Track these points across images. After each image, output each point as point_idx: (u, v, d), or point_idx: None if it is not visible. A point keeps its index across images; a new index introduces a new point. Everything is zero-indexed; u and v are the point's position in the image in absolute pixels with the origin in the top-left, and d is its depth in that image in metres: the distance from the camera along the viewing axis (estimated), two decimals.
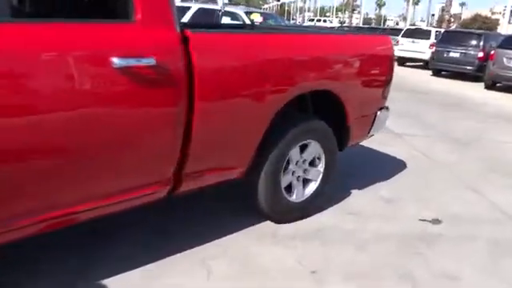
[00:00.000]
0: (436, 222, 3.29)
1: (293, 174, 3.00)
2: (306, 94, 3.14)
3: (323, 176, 3.18)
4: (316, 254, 2.73)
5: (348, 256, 2.73)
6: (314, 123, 3.01)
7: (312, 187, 3.15)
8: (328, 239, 2.91)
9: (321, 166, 3.17)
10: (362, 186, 3.75)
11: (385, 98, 3.49)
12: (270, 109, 2.62)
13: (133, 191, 2.21)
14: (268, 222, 3.02)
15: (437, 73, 14.50)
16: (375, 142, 4.76)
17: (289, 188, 3.03)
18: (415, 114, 7.02)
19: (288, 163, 2.96)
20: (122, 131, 2.06)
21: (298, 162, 3.01)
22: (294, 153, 2.95)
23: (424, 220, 3.31)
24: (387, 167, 4.31)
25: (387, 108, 3.57)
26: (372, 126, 3.46)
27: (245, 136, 2.59)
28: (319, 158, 3.16)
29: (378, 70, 3.40)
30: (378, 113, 3.45)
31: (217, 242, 2.74)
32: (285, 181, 2.96)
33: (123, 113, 2.04)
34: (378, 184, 3.84)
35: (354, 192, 3.63)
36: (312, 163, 3.15)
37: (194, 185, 2.50)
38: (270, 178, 2.81)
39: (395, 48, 16.81)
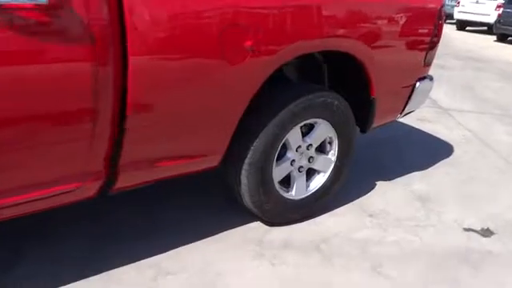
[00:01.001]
0: (486, 233, 2.46)
1: (292, 164, 2.26)
2: (316, 57, 2.36)
3: (336, 166, 2.41)
4: (313, 277, 2.02)
5: (359, 283, 2.02)
6: (321, 96, 2.22)
7: (319, 180, 2.40)
8: (334, 253, 2.17)
9: (332, 154, 2.40)
10: (389, 177, 2.93)
11: (427, 65, 2.61)
12: (252, 75, 1.86)
13: (41, 189, 1.56)
14: (255, 224, 2.32)
15: (502, 38, 12.80)
16: (414, 118, 3.88)
17: (287, 181, 2.30)
18: (469, 85, 5.90)
19: (285, 149, 2.23)
20: (12, 106, 1.39)
21: (299, 147, 2.25)
22: (294, 136, 2.19)
23: (469, 230, 2.49)
24: (426, 153, 3.43)
25: (430, 78, 2.70)
26: (408, 101, 2.62)
27: (214, 112, 1.86)
28: (330, 143, 2.39)
29: (419, 29, 2.50)
30: (417, 84, 2.59)
31: (178, 251, 2.09)
32: (279, 172, 2.22)
33: (10, 79, 1.37)
34: (412, 176, 3.01)
35: (378, 187, 2.82)
36: (321, 149, 2.39)
37: (141, 179, 1.82)
38: (255, 168, 2.09)
39: (455, 10, 15.40)
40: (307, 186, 2.37)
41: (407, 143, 3.59)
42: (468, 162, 3.37)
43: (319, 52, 2.29)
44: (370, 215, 2.53)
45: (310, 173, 2.39)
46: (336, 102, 2.25)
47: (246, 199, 2.19)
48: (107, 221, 2.23)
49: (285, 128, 2.11)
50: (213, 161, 2.01)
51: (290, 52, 1.94)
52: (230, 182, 2.19)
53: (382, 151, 3.30)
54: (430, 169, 3.16)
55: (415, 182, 2.95)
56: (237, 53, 1.77)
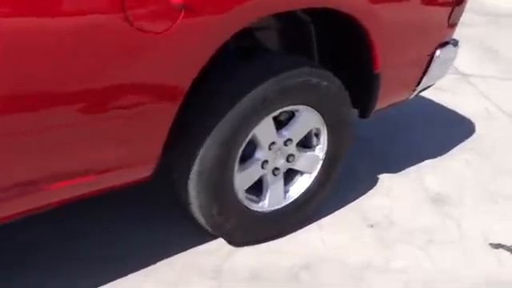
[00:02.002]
0: None
1: (263, 166, 1.66)
2: (300, 17, 1.70)
3: (325, 164, 1.82)
4: None
5: None
6: (304, 74, 1.57)
7: (302, 184, 1.79)
8: (320, 285, 1.63)
9: (320, 149, 1.78)
10: (394, 169, 2.32)
11: (452, 25, 1.94)
12: (189, 46, 1.23)
13: None
14: (213, 245, 1.76)
15: None
16: None
17: (257, 187, 1.72)
18: (492, 45, 5.06)
19: (253, 147, 1.62)
20: None
21: (272, 144, 1.64)
22: (264, 130, 1.57)
23: (498, 246, 1.92)
24: (440, 135, 2.76)
25: (455, 43, 2.04)
26: (424, 74, 1.97)
27: (131, 105, 1.23)
28: (317, 135, 1.78)
29: None
30: (438, 52, 1.94)
31: None
32: (246, 178, 1.62)
33: None
34: (423, 167, 2.38)
35: (380, 183, 2.21)
36: (304, 144, 1.78)
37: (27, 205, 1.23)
38: (207, 177, 1.49)
39: None
40: (286, 193, 1.78)
41: (417, 122, 2.92)
42: (492, 145, 2.73)
43: (303, 10, 1.64)
44: (371, 225, 1.95)
45: (290, 175, 1.79)
46: (325, 83, 1.61)
47: (199, 219, 1.61)
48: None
49: (249, 120, 1.48)
50: (140, 171, 1.41)
51: (249, 10, 1.29)
52: (179, 194, 1.60)
53: (384, 134, 2.66)
54: (445, 156, 2.53)
55: (427, 175, 2.33)
56: (160, 13, 1.13)
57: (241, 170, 1.58)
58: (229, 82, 1.44)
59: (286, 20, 1.75)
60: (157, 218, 1.84)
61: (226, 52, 1.43)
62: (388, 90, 1.83)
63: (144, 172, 1.41)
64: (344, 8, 1.53)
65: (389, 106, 1.97)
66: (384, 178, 2.26)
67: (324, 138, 1.76)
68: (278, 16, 1.62)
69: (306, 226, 1.88)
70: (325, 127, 1.73)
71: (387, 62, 1.74)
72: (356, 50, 1.74)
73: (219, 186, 1.52)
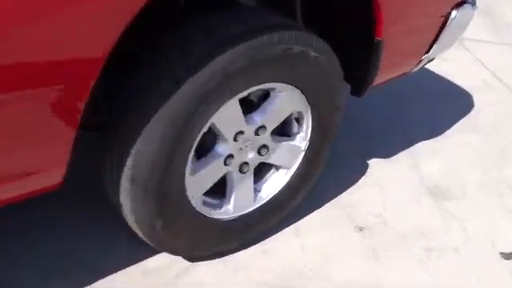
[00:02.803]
0: None
1: (227, 162, 1.25)
2: None
3: (307, 155, 1.43)
4: None
5: None
6: (284, 40, 1.12)
7: (278, 181, 1.40)
8: None
9: (302, 137, 1.38)
10: (385, 154, 1.95)
11: None
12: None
13: None
14: (169, 257, 1.38)
15: None
16: None
17: (219, 188, 1.31)
18: (488, 7, 4.60)
19: (213, 139, 1.20)
20: None
21: (239, 134, 1.22)
22: (228, 116, 1.14)
23: (509, 257, 1.61)
24: (436, 111, 2.36)
25: (473, 2, 1.62)
26: (435, 40, 1.55)
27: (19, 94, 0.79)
28: (299, 120, 1.37)
29: None
30: (454, 13, 1.52)
31: None
32: (204, 179, 1.20)
33: None
34: (418, 151, 2.00)
35: (370, 173, 1.84)
36: (282, 132, 1.38)
37: None
38: (143, 181, 1.07)
39: None
40: (257, 193, 1.39)
41: (409, 96, 2.52)
42: (493, 120, 2.40)
43: None
44: (360, 229, 1.60)
45: (262, 171, 1.40)
46: (312, 53, 1.18)
47: (139, 234, 1.20)
48: None
49: (205, 104, 1.05)
50: (47, 179, 0.97)
51: None
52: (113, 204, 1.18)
53: (373, 112, 2.26)
54: (442, 137, 2.17)
55: (423, 160, 1.97)
56: None
57: (195, 170, 1.17)
58: (172, 52, 0.99)
59: None
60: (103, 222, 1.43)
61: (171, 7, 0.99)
62: (390, 61, 1.42)
63: (52, 179, 0.98)
64: None
65: (387, 80, 1.56)
66: (373, 166, 1.89)
67: (307, 123, 1.35)
68: None
69: (279, 231, 1.51)
70: (309, 110, 1.31)
71: (392, 25, 1.32)
72: (352, 10, 1.32)
73: (162, 194, 1.11)
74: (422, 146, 2.05)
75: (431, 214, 1.71)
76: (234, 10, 1.18)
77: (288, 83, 1.19)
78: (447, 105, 2.44)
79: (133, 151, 1.00)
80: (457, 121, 2.31)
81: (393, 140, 2.05)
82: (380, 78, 1.47)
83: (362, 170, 1.85)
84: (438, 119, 2.27)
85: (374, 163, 1.90)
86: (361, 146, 1.97)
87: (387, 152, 1.97)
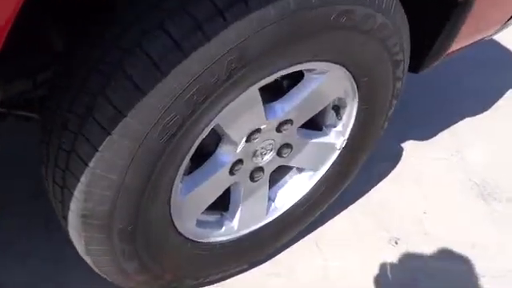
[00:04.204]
0: None
1: (234, 171, 0.85)
2: None
3: (341, 158, 1.04)
4: None
5: None
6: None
7: (298, 188, 1.01)
8: None
9: (339, 132, 0.99)
10: (423, 144, 1.53)
11: None
12: None
13: None
14: None
15: None
16: None
17: (220, 202, 0.93)
18: None
19: (215, 143, 0.81)
20: None
21: (255, 132, 0.81)
22: (240, 112, 0.74)
23: None
24: (491, 83, 1.92)
25: None
26: None
27: None
28: (338, 111, 0.97)
29: None
30: None
31: None
32: (199, 198, 0.83)
33: None
34: (464, 138, 1.58)
35: (406, 165, 1.44)
36: (313, 123, 0.97)
37: None
38: (103, 216, 0.69)
39: None
40: (270, 202, 1.01)
41: (454, 67, 1.99)
42: None
43: None
44: (394, 242, 1.25)
45: (279, 172, 1.01)
46: (379, 19, 0.74)
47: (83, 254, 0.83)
48: None
49: (206, 99, 0.64)
50: None
51: None
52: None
53: (412, 87, 1.81)
54: (493, 120, 1.73)
55: (469, 151, 1.58)
56: None
57: (187, 190, 0.77)
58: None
59: None
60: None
61: None
62: (472, 26, 0.99)
63: None
64: None
65: (458, 50, 1.14)
66: (408, 157, 1.50)
67: (350, 114, 0.95)
68: None
69: (297, 246, 1.16)
70: (356, 97, 0.91)
71: None
72: None
73: (135, 234, 0.73)
74: (467, 132, 1.64)
75: (481, 223, 1.36)
76: None
77: (335, 62, 0.77)
78: (501, 77, 1.97)
79: (86, 170, 0.61)
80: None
81: (433, 124, 1.64)
82: (453, 47, 1.06)
83: (394, 163, 1.47)
84: (490, 97, 1.83)
85: (409, 155, 1.51)
86: (394, 132, 1.54)
87: (426, 139, 1.57)
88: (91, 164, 0.60)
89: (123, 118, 0.58)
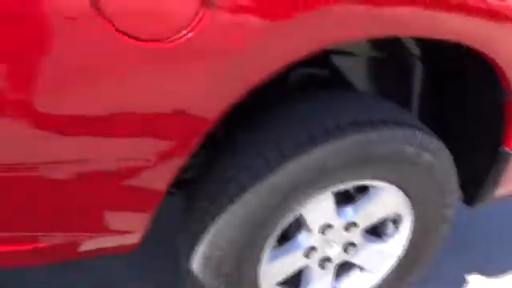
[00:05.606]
0: None
1: (308, 255, 1.13)
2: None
3: (398, 264, 1.25)
4: None
5: None
6: (397, 137, 1.00)
7: (360, 284, 1.26)
8: None
9: (396, 242, 1.21)
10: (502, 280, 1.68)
11: None
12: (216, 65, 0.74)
13: None
14: None
15: None
16: None
17: (291, 281, 1.18)
18: None
19: (297, 228, 1.10)
20: None
21: (328, 228, 1.10)
22: (318, 208, 1.04)
23: None
24: None
25: None
26: None
27: (120, 149, 0.77)
28: (396, 223, 1.21)
29: None
30: None
31: None
32: (279, 269, 1.09)
33: None
34: None
35: None
36: (374, 231, 1.23)
37: None
38: (216, 262, 1.01)
39: None
40: None
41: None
42: None
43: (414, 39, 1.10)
44: None
45: (344, 268, 1.25)
46: (427, 156, 1.04)
47: None
48: None
49: (295, 195, 0.97)
50: (127, 239, 0.95)
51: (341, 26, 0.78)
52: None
53: (487, 218, 1.96)
54: None
55: None
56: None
57: (273, 258, 1.07)
58: (269, 134, 0.94)
59: (384, 48, 1.22)
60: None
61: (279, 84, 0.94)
62: None
63: (130, 239, 0.95)
64: (481, 45, 0.96)
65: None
66: None
67: (406, 229, 1.19)
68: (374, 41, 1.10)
69: None
70: (411, 215, 1.16)
71: None
72: (478, 112, 1.17)
73: (233, 276, 1.03)
74: None
75: None
76: (343, 95, 1.10)
77: (392, 183, 1.06)
78: None
79: (213, 229, 0.95)
80: None
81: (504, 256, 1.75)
82: (502, 191, 1.27)
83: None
84: None
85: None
86: (472, 266, 1.68)
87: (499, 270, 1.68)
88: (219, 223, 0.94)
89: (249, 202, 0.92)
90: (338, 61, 1.30)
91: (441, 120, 1.31)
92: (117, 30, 0.61)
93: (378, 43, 1.25)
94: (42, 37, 0.63)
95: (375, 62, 1.33)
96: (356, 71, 1.33)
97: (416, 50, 1.25)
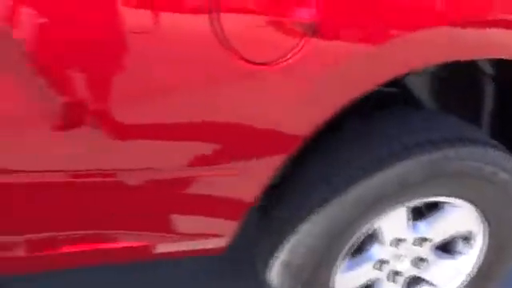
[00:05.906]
0: None
1: (379, 267, 1.17)
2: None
3: (468, 282, 1.25)
4: None
5: None
6: (474, 156, 1.02)
7: None
8: None
9: (467, 260, 1.23)
10: None
11: None
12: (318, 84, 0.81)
13: None
14: None
15: None
16: None
17: None
18: None
19: (371, 240, 1.14)
20: None
21: (400, 241, 1.14)
22: (393, 222, 1.08)
23: None
24: None
25: None
26: None
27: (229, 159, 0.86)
28: (468, 240, 1.23)
29: None
30: None
31: None
32: (351, 279, 1.14)
33: None
34: None
35: None
36: (445, 247, 1.24)
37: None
38: (295, 268, 1.06)
39: None
40: None
41: None
42: None
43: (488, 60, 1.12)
44: None
45: (413, 283, 1.27)
46: (503, 175, 1.06)
47: None
48: None
49: (372, 208, 1.01)
50: (216, 242, 1.02)
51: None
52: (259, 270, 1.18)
53: None
54: None
55: None
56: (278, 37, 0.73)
57: (346, 268, 1.12)
58: (350, 151, 0.99)
59: (456, 69, 1.25)
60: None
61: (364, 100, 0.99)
62: None
63: (219, 242, 1.02)
64: None
65: None
66: None
67: (478, 247, 1.20)
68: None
69: None
70: (484, 233, 1.17)
71: None
72: None
73: (309, 285, 1.08)
74: None
75: None
76: (421, 113, 1.13)
77: (467, 201, 1.08)
78: None
79: (293, 238, 1.00)
80: None
81: None
82: None
83: None
84: None
85: None
86: None
87: None
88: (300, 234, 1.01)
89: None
90: (406, 78, 1.34)
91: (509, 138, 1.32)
92: (240, 56, 0.71)
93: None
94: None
95: (443, 80, 1.36)
96: (423, 88, 1.37)
97: (489, 69, 1.26)
